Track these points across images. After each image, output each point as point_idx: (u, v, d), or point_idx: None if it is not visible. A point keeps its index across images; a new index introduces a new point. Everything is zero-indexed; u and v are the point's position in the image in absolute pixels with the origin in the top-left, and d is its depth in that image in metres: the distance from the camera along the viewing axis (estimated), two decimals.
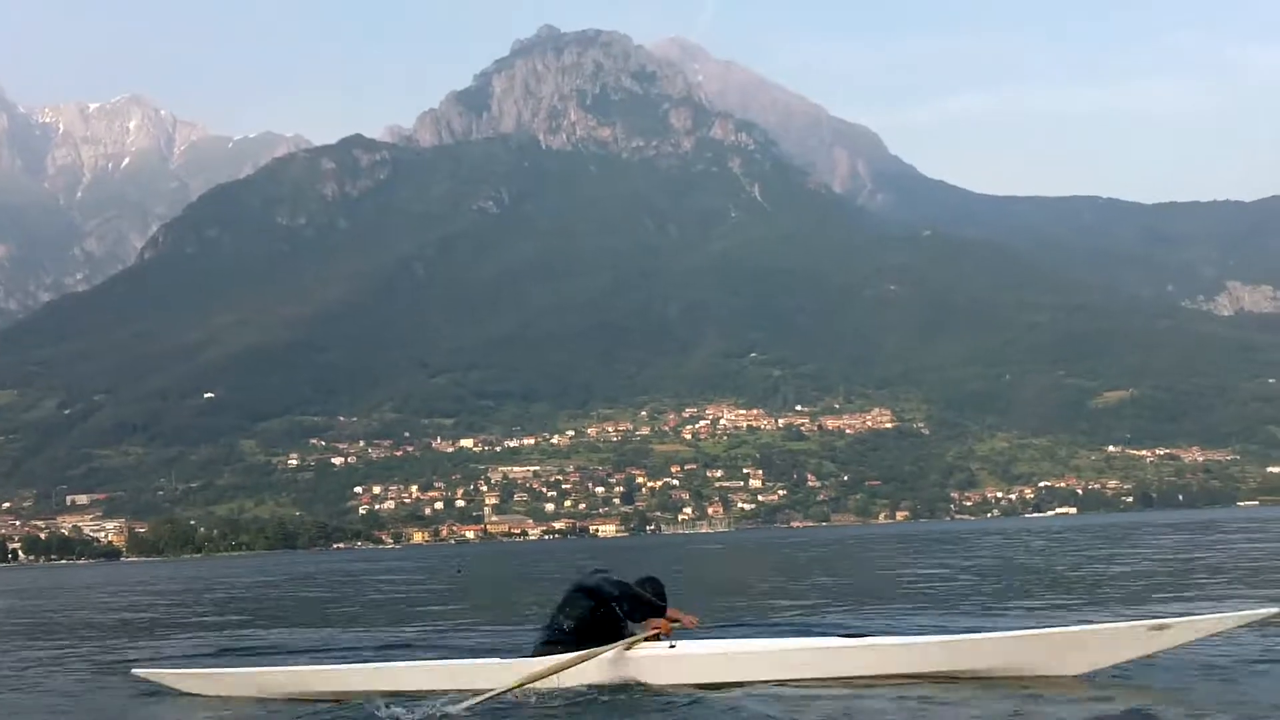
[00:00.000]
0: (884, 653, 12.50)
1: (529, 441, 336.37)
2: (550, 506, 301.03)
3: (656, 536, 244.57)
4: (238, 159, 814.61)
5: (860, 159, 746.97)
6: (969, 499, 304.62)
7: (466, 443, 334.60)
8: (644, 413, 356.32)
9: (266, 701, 13.83)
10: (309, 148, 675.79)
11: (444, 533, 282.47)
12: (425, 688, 13.15)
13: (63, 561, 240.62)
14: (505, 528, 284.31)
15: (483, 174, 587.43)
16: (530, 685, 12.43)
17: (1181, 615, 11.98)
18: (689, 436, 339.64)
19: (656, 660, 12.71)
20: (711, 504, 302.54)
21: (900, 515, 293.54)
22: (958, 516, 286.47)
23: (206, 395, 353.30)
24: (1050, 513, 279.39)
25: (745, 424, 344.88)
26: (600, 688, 12.55)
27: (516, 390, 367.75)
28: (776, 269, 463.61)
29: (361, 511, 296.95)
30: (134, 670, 15.51)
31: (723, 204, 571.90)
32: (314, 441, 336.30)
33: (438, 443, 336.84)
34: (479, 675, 13.13)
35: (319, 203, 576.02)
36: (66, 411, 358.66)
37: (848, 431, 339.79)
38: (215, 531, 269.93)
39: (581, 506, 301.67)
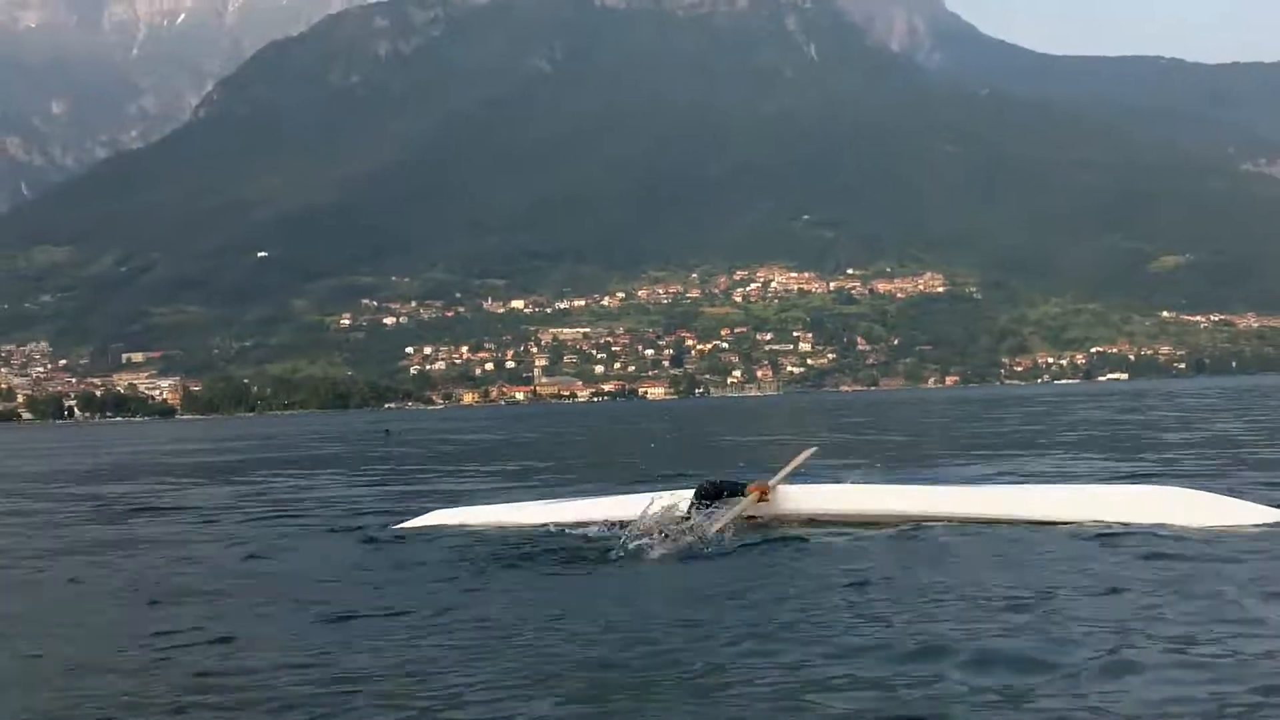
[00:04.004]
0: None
1: (579, 303, 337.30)
2: (599, 369, 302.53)
3: (705, 400, 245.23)
4: (291, 16, 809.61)
5: (918, 16, 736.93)
6: (1020, 365, 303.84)
7: (517, 304, 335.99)
8: (694, 275, 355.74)
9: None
10: (362, 5, 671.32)
11: (493, 394, 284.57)
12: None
13: (119, 419, 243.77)
14: (555, 389, 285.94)
15: (536, 31, 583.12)
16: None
17: None
18: (739, 299, 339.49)
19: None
20: (760, 367, 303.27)
21: (950, 380, 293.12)
22: (1008, 382, 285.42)
23: (260, 254, 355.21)
24: (1102, 379, 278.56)
25: (796, 287, 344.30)
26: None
27: (568, 251, 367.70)
28: (831, 129, 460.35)
29: (413, 372, 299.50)
30: (392, 527, 15.15)
31: (778, 62, 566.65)
32: (366, 302, 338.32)
33: (489, 304, 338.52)
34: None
35: (372, 61, 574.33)
36: (123, 269, 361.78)
37: (899, 295, 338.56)
38: (269, 390, 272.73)
39: (630, 369, 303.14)
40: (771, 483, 13.73)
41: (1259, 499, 12.94)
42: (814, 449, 15.15)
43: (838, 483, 14.83)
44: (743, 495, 13.47)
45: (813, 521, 13.24)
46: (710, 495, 13.50)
